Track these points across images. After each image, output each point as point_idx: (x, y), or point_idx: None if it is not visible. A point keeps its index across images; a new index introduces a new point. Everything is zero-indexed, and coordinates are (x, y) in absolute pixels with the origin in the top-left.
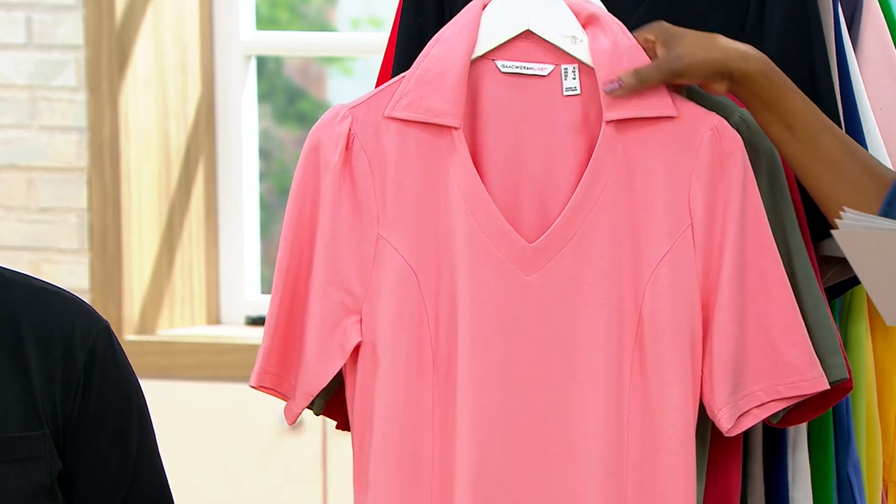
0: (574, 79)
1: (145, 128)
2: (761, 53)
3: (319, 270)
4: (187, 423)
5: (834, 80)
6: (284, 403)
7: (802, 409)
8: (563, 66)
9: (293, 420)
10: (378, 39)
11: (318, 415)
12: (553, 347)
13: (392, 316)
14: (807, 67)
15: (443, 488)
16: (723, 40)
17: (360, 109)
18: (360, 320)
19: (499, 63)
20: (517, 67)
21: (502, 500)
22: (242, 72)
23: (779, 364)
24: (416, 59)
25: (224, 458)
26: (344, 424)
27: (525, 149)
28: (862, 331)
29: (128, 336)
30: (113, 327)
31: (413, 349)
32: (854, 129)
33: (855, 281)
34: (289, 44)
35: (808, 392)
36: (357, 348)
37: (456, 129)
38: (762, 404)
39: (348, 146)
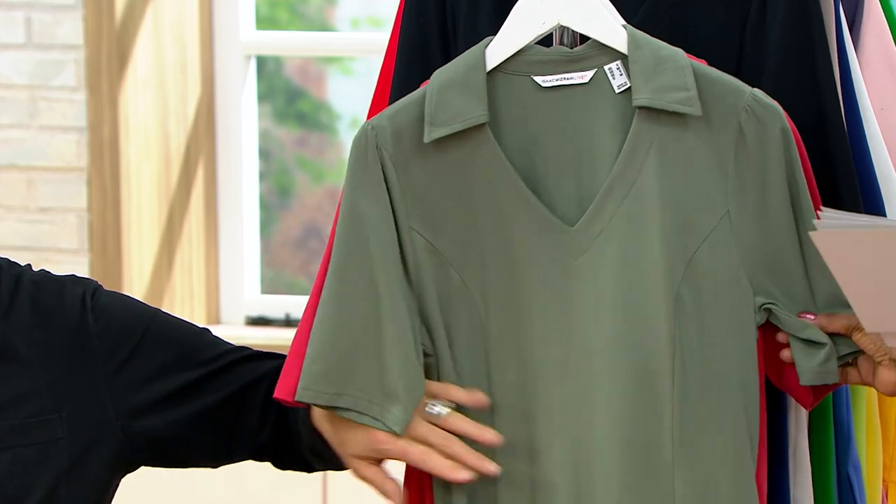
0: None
1: (145, 128)
2: None
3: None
4: None
5: (835, 81)
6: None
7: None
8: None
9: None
10: (378, 39)
11: None
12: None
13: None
14: (808, 68)
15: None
16: None
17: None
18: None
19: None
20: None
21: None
22: (242, 72)
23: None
24: (416, 60)
25: None
26: None
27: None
28: None
29: None
30: None
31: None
32: (855, 129)
33: None
34: (289, 44)
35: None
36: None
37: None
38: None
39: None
